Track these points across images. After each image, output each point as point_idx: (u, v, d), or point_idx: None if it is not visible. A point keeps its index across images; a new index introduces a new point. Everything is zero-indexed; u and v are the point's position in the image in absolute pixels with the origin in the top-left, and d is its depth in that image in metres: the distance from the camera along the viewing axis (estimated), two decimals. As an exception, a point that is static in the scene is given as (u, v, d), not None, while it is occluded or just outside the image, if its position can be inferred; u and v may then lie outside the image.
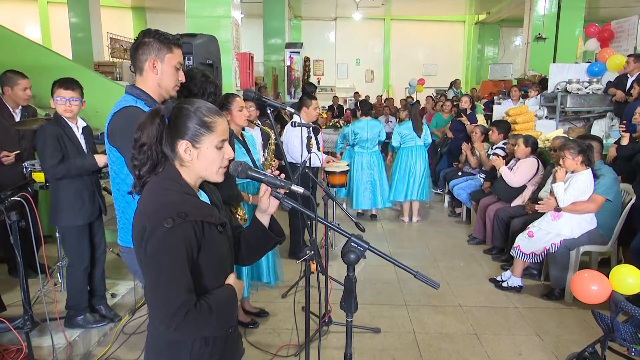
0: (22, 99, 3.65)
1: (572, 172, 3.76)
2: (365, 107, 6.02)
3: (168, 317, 1.23)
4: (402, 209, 6.25)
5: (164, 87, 1.99)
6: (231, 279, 1.43)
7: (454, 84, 12.86)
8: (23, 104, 3.72)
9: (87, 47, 10.17)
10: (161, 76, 1.96)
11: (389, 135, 8.20)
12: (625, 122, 4.45)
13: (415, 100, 13.06)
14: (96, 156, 2.93)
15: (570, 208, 3.71)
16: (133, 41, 1.98)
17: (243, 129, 3.29)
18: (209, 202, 1.46)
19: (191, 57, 4.16)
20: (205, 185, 1.48)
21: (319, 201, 5.02)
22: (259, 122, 3.62)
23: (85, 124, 3.04)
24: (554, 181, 3.85)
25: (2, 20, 8.15)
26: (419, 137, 5.93)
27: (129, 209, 1.97)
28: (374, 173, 5.90)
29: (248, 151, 3.07)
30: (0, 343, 2.72)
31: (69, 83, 2.89)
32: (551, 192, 3.87)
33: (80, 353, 2.93)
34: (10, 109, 3.65)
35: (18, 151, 3.53)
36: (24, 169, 3.28)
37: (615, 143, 4.59)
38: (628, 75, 5.77)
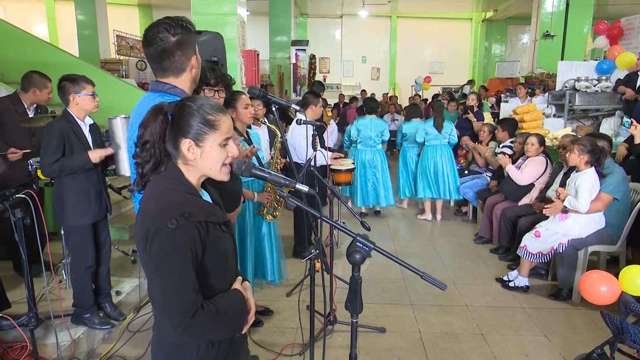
0: (45, 100, 3.75)
1: (576, 170, 3.72)
2: (369, 105, 6.01)
3: (176, 319, 1.22)
4: (424, 207, 6.22)
5: (197, 78, 1.85)
6: (237, 284, 1.42)
7: (469, 83, 12.72)
8: (43, 103, 3.82)
9: (93, 45, 10.20)
10: (197, 69, 1.81)
11: (393, 133, 8.20)
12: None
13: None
14: (90, 152, 2.85)
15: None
16: (155, 40, 1.69)
17: (249, 127, 3.27)
18: (211, 202, 1.44)
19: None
20: (206, 184, 1.46)
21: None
22: (265, 120, 3.60)
23: (92, 122, 3.03)
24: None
25: (10, 18, 8.19)
26: (440, 133, 5.89)
27: None
28: (376, 171, 5.88)
29: (252, 149, 3.06)
30: (5, 340, 2.73)
31: (88, 78, 2.91)
32: (558, 195, 3.84)
33: (85, 350, 2.93)
34: (25, 107, 3.71)
35: (29, 150, 3.56)
36: (30, 166, 3.29)
37: (625, 142, 4.52)
38: (638, 73, 5.69)
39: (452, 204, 6.70)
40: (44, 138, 2.83)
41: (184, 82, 1.77)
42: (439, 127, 5.87)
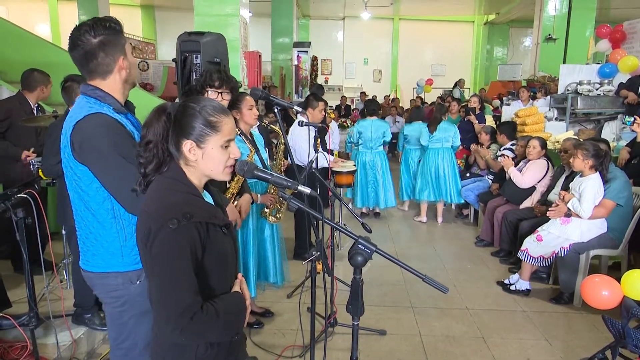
0: (47, 96, 3.81)
1: (581, 175, 3.72)
2: (370, 107, 6.03)
3: (174, 319, 1.21)
4: (420, 209, 6.22)
5: (131, 80, 1.72)
6: (237, 286, 1.42)
7: (458, 83, 12.77)
8: (46, 100, 3.89)
9: (96, 45, 10.21)
10: (129, 70, 1.69)
11: (395, 135, 8.21)
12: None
13: (422, 101, 13.02)
14: None
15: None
16: (77, 43, 1.60)
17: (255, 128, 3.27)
18: (213, 203, 1.43)
19: (199, 55, 4.17)
20: (209, 185, 1.46)
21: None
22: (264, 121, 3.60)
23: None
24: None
25: (12, 18, 8.21)
26: (431, 134, 5.89)
27: (101, 229, 1.66)
28: (377, 173, 5.90)
29: (257, 150, 3.05)
30: (5, 340, 2.72)
31: None
32: (562, 198, 3.83)
33: (85, 351, 2.92)
34: (32, 106, 3.75)
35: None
36: (32, 166, 3.29)
37: (627, 146, 4.51)
38: (641, 76, 5.69)
39: (453, 206, 6.70)
40: (48, 138, 2.84)
41: (111, 84, 1.67)
42: (430, 127, 5.90)
